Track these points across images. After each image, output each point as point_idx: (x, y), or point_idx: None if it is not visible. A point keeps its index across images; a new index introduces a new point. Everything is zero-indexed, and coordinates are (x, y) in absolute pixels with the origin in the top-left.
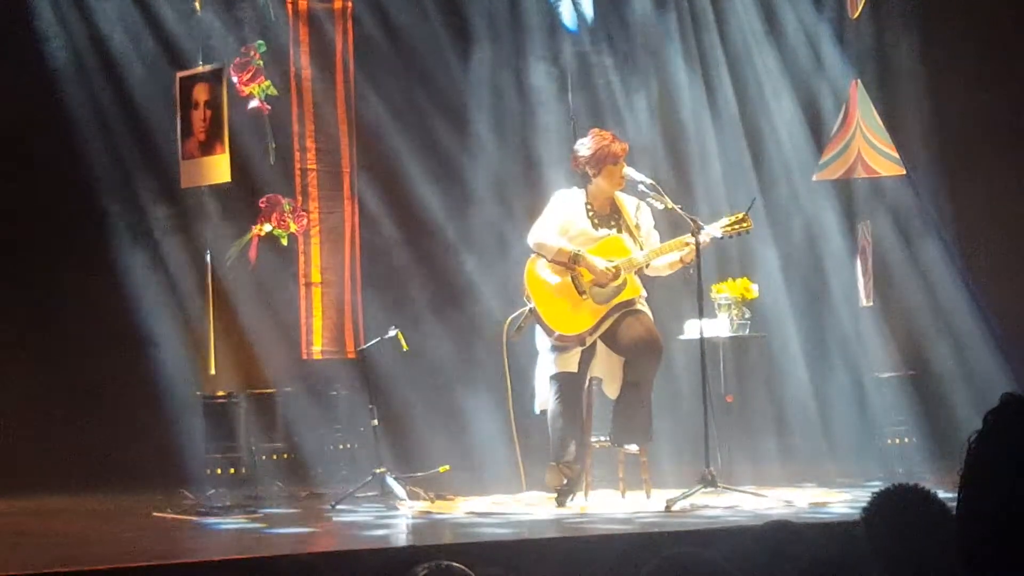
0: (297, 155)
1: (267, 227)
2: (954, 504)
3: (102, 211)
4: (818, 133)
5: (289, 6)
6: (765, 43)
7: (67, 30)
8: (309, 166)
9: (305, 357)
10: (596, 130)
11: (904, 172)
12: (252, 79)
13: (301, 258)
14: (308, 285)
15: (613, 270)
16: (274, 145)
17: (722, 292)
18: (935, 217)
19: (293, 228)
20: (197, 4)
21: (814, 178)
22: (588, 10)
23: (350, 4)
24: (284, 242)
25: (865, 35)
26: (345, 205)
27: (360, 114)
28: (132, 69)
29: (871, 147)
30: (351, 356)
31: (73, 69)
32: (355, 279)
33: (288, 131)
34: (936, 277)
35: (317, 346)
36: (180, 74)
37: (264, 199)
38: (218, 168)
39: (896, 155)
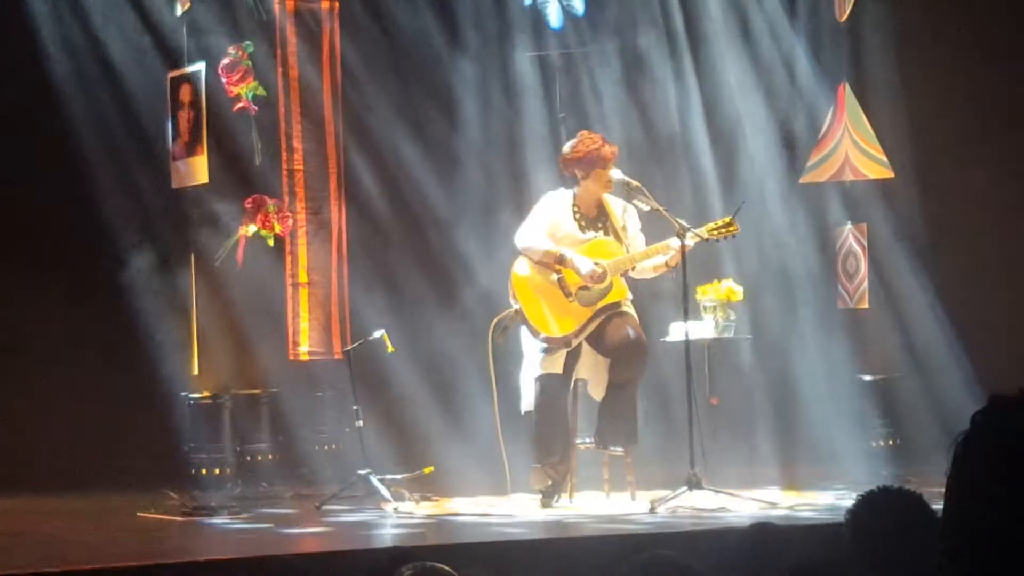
0: (284, 156)
1: (252, 228)
2: (939, 506)
3: (92, 212)
4: (805, 135)
5: (277, 6)
6: (751, 45)
7: (64, 31)
8: (296, 167)
9: (292, 358)
10: (586, 133)
11: (892, 175)
12: (241, 79)
13: (288, 258)
14: (295, 286)
15: (600, 272)
16: (260, 145)
17: (707, 294)
18: (919, 221)
19: (278, 229)
20: (179, 5)
21: (801, 181)
22: (579, 5)
23: (337, 4)
24: (270, 243)
25: (853, 38)
26: (332, 205)
27: (348, 114)
28: (127, 68)
29: (859, 150)
30: (338, 357)
31: (69, 67)
32: (343, 280)
33: (276, 131)
34: (922, 280)
35: (304, 346)
36: (171, 74)
37: (250, 200)
38: (199, 170)
39: (884, 158)
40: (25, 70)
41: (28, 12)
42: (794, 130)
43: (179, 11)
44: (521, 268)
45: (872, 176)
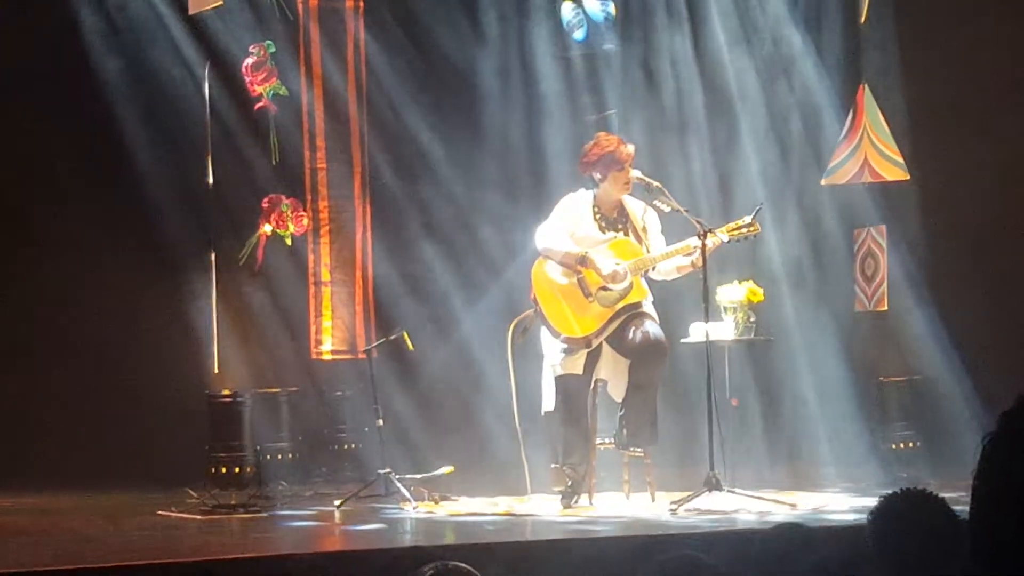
0: (307, 154)
1: (268, 227)
2: (959, 508)
3: (113, 210)
4: (824, 137)
5: (300, 5)
6: (771, 48)
7: (109, 33)
8: (319, 165)
9: (314, 358)
10: (603, 134)
11: (908, 177)
12: (266, 79)
13: (311, 257)
14: (318, 284)
15: (621, 272)
16: (278, 144)
17: (728, 296)
18: (934, 223)
19: (292, 229)
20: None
21: (822, 183)
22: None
23: (362, 3)
24: (288, 243)
25: (872, 39)
26: (356, 204)
27: (372, 113)
28: (165, 65)
29: (878, 152)
30: (363, 356)
31: (116, 66)
32: (367, 278)
33: (298, 130)
34: (940, 282)
35: (326, 346)
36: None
37: (266, 199)
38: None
39: (901, 160)
40: (71, 61)
41: (74, 16)
42: (811, 132)
43: (191, 9)
44: (542, 269)
45: (889, 178)
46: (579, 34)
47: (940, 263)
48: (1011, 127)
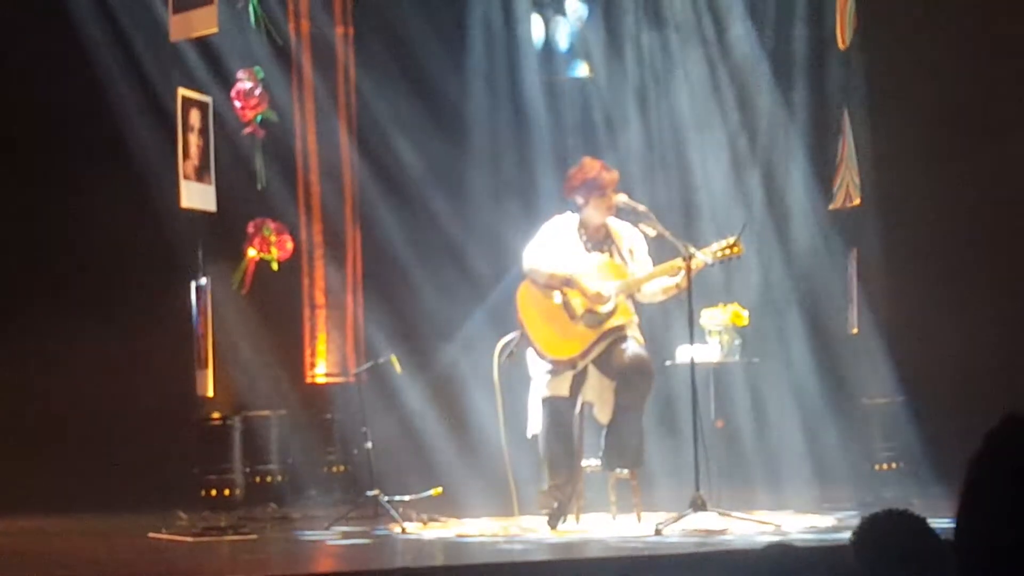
0: (301, 176)
1: (252, 252)
2: (943, 529)
3: (103, 233)
4: (795, 160)
5: (292, 30)
6: (757, 71)
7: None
8: (313, 188)
9: (308, 381)
10: (588, 159)
11: (859, 201)
12: (258, 104)
13: (305, 280)
14: (313, 307)
15: (606, 294)
16: (263, 169)
17: (712, 319)
18: (900, 246)
19: (275, 254)
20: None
21: (830, 207)
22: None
23: (351, 30)
24: (274, 267)
25: (854, 64)
26: (348, 227)
27: (362, 138)
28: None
29: (851, 177)
30: (353, 380)
31: (123, 88)
32: (357, 301)
33: (291, 154)
34: (923, 303)
35: (320, 369)
36: (182, 92)
37: (252, 224)
38: (207, 198)
39: (858, 182)
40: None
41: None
42: (788, 155)
43: (173, 36)
44: (527, 291)
45: (856, 202)
46: (564, 44)
47: (917, 285)
48: (981, 152)
